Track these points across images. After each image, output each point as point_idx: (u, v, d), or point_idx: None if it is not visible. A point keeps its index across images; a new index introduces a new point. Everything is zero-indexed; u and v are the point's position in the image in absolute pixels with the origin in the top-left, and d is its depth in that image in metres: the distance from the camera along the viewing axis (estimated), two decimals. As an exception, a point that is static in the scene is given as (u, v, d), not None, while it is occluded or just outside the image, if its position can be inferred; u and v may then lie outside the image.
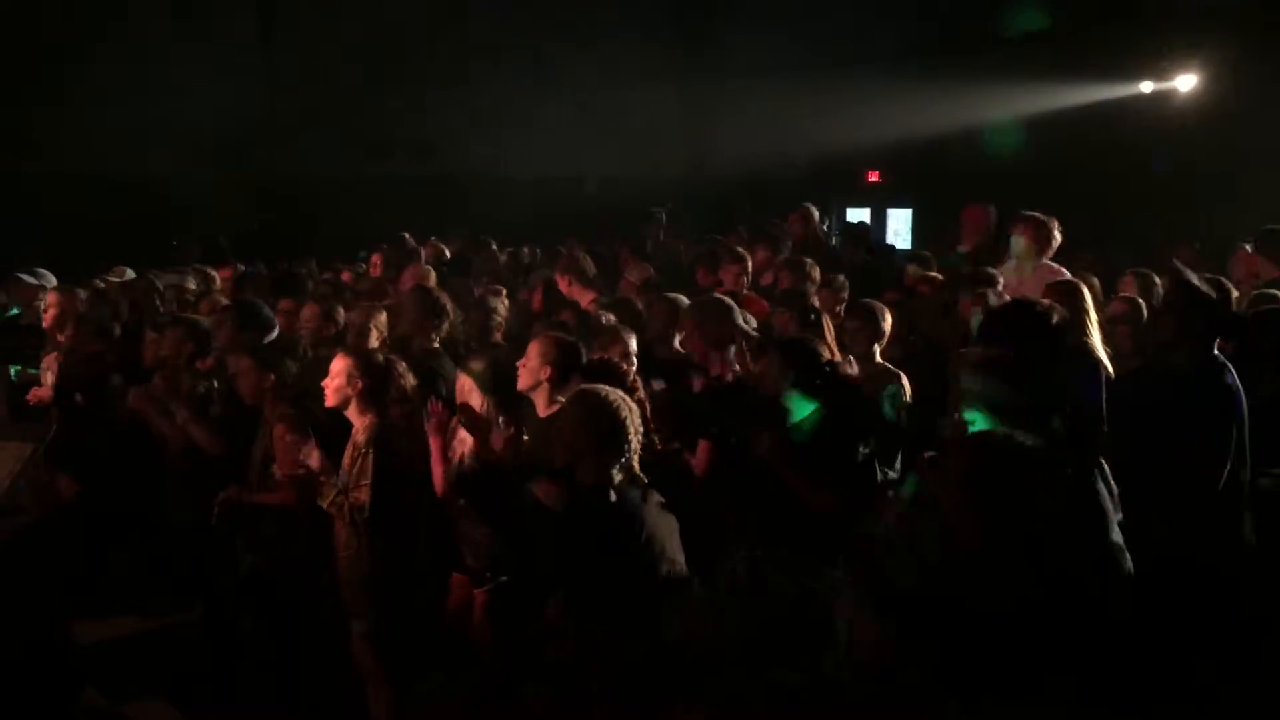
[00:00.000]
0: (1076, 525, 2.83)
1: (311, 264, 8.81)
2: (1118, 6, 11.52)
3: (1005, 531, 2.52)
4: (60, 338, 5.97)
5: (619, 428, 3.49)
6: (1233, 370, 3.99)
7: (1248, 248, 6.90)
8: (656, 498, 3.60)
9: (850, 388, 4.26)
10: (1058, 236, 6.12)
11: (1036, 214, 6.22)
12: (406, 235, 8.90)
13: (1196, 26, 11.18)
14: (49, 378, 5.89)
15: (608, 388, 3.68)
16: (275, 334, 5.76)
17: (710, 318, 4.97)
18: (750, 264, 6.93)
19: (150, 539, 5.35)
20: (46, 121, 11.47)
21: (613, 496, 3.46)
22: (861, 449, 4.07)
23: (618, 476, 3.49)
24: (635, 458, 3.57)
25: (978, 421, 3.21)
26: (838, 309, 6.01)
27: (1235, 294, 4.16)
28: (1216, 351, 4.01)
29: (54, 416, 5.60)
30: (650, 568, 3.46)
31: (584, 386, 3.75)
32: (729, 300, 5.21)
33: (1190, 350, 3.98)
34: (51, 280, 7.14)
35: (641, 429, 3.62)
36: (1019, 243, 6.15)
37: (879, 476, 4.21)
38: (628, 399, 3.62)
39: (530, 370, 4.28)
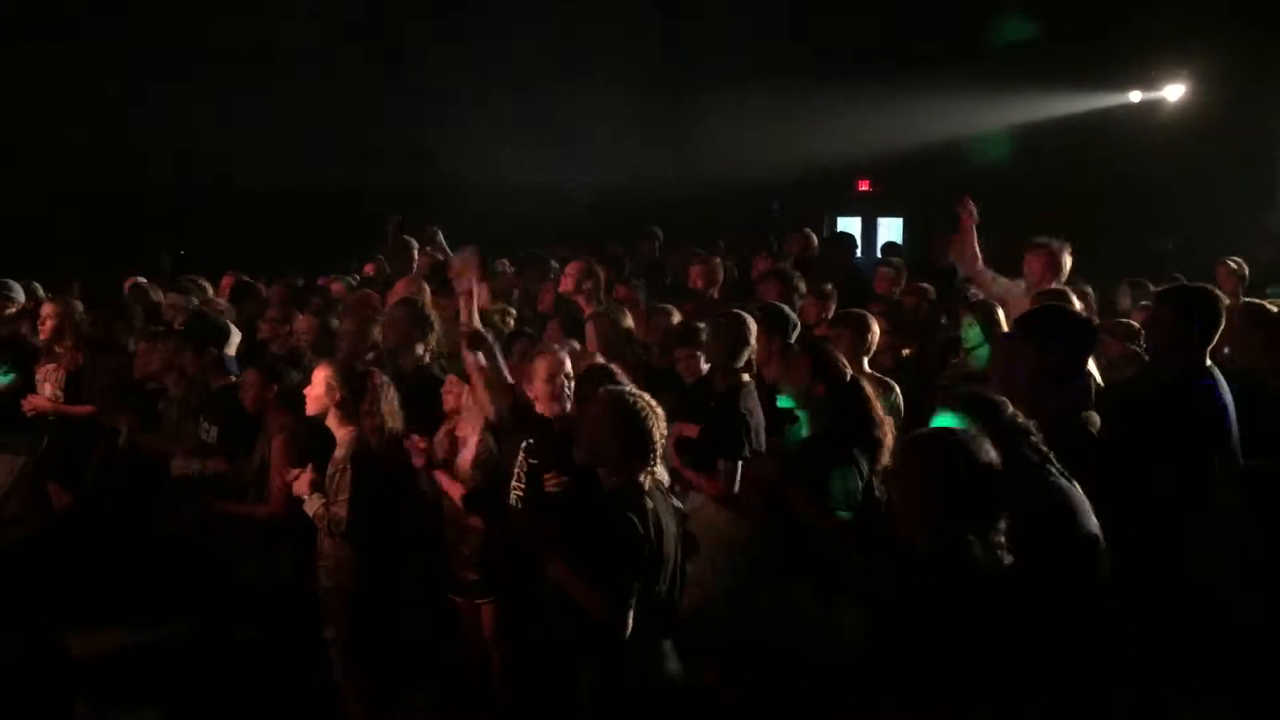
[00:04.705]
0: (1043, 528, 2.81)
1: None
2: (1107, 16, 11.59)
3: (955, 526, 2.50)
4: (58, 349, 5.97)
5: (646, 432, 3.41)
6: (1222, 382, 3.75)
7: (1230, 264, 6.98)
8: (675, 503, 3.60)
9: (863, 406, 4.15)
10: (1068, 259, 5.67)
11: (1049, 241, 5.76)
12: (410, 239, 8.63)
13: (1185, 36, 11.26)
14: (48, 389, 5.90)
15: (635, 391, 3.58)
16: (237, 336, 5.63)
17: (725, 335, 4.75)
18: (720, 269, 6.94)
19: (143, 551, 5.37)
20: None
21: (647, 502, 3.37)
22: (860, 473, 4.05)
23: (646, 482, 3.43)
24: (660, 463, 3.52)
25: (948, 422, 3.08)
26: (824, 317, 6.02)
27: (1227, 302, 4.01)
28: (1210, 363, 3.78)
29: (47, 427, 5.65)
30: (667, 572, 3.42)
31: (610, 389, 3.63)
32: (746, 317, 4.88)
33: (1181, 362, 3.75)
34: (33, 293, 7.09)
35: (665, 434, 3.55)
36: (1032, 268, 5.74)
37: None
38: (653, 403, 3.52)
39: (550, 383, 4.24)
